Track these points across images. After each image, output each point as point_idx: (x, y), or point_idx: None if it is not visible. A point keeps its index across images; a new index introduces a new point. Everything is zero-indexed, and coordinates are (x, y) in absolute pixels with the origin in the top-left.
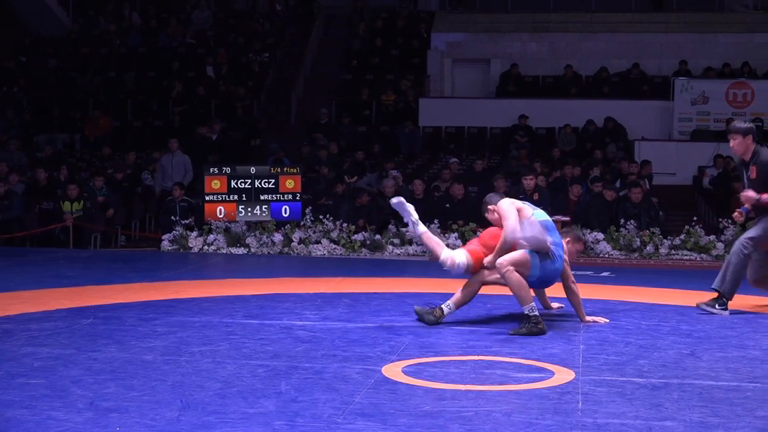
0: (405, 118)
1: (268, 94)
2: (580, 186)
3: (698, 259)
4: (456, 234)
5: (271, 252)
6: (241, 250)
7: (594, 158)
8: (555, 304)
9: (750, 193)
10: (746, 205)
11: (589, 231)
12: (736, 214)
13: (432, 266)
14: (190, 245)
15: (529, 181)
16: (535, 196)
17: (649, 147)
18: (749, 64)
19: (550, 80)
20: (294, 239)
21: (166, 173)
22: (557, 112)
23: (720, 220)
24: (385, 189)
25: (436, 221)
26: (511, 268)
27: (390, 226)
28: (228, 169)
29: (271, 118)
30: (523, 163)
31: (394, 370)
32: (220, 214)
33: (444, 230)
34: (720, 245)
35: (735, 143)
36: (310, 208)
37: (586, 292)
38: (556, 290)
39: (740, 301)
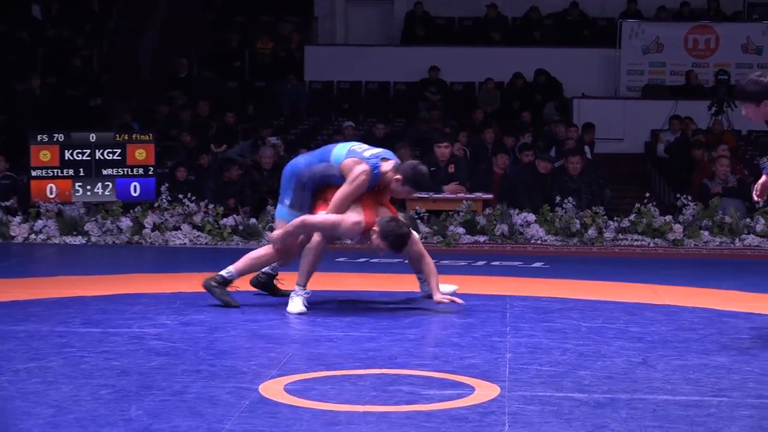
0: (286, 71)
1: (111, 40)
2: (506, 155)
3: (651, 244)
4: None
5: (117, 241)
6: (78, 240)
7: (523, 121)
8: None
9: None
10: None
11: (516, 211)
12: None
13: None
14: (12, 233)
15: (443, 149)
16: (451, 168)
17: (590, 106)
18: (716, 1)
19: (468, 23)
20: (146, 225)
21: None
22: (477, 63)
23: (678, 196)
24: (261, 160)
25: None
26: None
27: (268, 207)
28: (61, 137)
29: (116, 71)
30: (435, 126)
31: (274, 389)
32: (51, 193)
33: None
34: (678, 227)
35: (749, 112)
36: (167, 185)
37: (513, 287)
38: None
39: (705, 297)
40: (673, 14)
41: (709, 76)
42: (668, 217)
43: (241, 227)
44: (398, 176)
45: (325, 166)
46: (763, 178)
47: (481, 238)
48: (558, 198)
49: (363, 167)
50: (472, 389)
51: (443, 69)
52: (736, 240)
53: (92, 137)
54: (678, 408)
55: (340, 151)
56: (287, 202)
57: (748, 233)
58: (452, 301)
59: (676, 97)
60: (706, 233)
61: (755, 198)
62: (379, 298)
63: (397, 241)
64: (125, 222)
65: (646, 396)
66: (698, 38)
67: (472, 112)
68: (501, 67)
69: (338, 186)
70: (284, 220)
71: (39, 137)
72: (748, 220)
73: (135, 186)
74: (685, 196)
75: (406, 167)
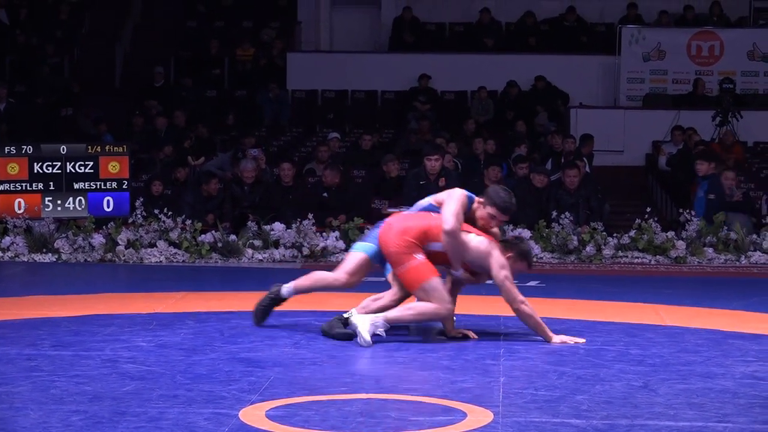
0: (268, 80)
1: (83, 47)
2: (498, 168)
3: (653, 262)
4: (337, 233)
5: (90, 259)
6: (48, 257)
7: (517, 131)
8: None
9: None
10: None
11: (511, 227)
12: None
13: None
14: None
15: (433, 162)
16: (441, 182)
17: (589, 116)
18: (719, 6)
19: (460, 28)
20: (120, 242)
21: None
22: (469, 70)
23: (681, 211)
24: (242, 174)
25: (310, 216)
26: None
27: (249, 223)
28: (30, 149)
29: (89, 79)
30: (425, 138)
31: (255, 415)
32: (19, 208)
33: (321, 228)
34: (681, 244)
35: None
36: (142, 199)
37: (507, 307)
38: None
39: (709, 318)
40: (676, 19)
41: (713, 85)
42: (670, 233)
43: (220, 244)
44: (480, 198)
45: (417, 209)
46: None
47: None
48: (554, 213)
49: (460, 190)
50: (463, 415)
51: (433, 77)
52: (742, 257)
53: (63, 149)
54: None
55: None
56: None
57: (755, 250)
58: (465, 335)
59: (678, 106)
60: (711, 250)
61: None
62: None
63: (531, 257)
64: (98, 239)
65: (647, 422)
66: (702, 45)
67: (463, 123)
68: (494, 75)
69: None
70: (360, 251)
71: (6, 149)
72: (754, 236)
73: (108, 201)
74: (688, 210)
75: (490, 191)
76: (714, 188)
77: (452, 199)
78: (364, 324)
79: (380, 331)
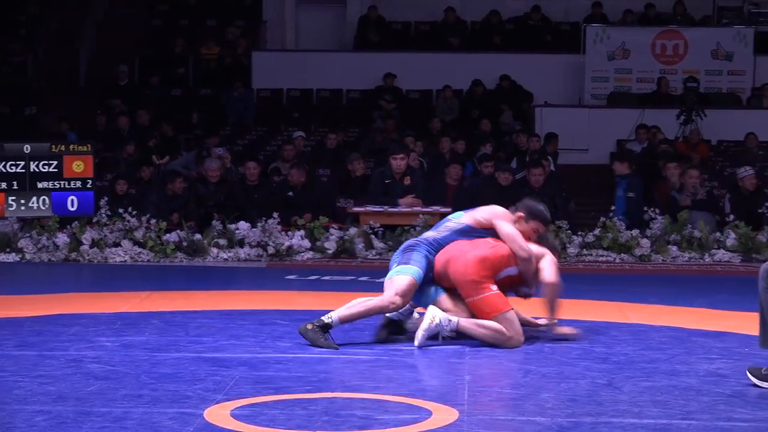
0: (233, 78)
1: (46, 46)
2: (460, 167)
3: (617, 260)
4: (302, 232)
5: (54, 259)
6: (11, 257)
7: (483, 130)
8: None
9: None
10: None
11: None
12: None
13: (270, 275)
14: None
15: (398, 161)
16: (407, 181)
17: (553, 115)
18: (683, 5)
19: (425, 27)
20: (84, 241)
21: None
22: (434, 69)
23: (645, 209)
24: (207, 172)
25: (275, 215)
26: None
27: (214, 222)
28: None
29: (52, 78)
30: (391, 137)
31: (220, 414)
32: None
33: (286, 227)
34: (645, 242)
35: None
36: (106, 198)
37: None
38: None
39: (673, 316)
40: (640, 18)
41: (678, 84)
42: (635, 232)
43: (185, 243)
44: (520, 213)
45: (451, 232)
46: None
47: None
48: None
49: (500, 208)
50: (429, 413)
51: (399, 76)
52: (706, 255)
53: (26, 148)
54: None
55: (457, 215)
56: (395, 266)
57: (718, 248)
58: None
59: (643, 105)
60: (675, 248)
61: None
62: None
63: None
64: (62, 238)
65: (612, 419)
66: (666, 44)
67: (429, 122)
68: (459, 74)
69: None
70: (409, 275)
71: None
72: (718, 234)
73: (72, 200)
74: (652, 209)
75: (522, 204)
76: (632, 187)
77: (505, 222)
78: (434, 317)
79: (446, 333)
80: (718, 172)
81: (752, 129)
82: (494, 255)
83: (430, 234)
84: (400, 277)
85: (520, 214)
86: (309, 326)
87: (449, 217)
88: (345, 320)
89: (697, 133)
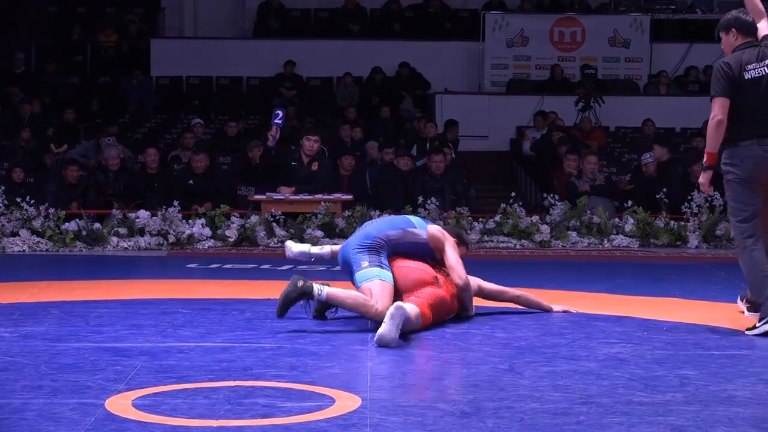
0: (132, 66)
1: None
2: (352, 157)
3: (518, 246)
4: (203, 220)
5: None
6: None
7: (383, 117)
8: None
9: None
10: None
11: (377, 212)
12: None
13: (171, 264)
14: None
15: (312, 143)
16: (314, 166)
17: (453, 102)
18: None
19: (325, 14)
20: None
21: None
22: (334, 56)
23: (545, 196)
24: (107, 161)
25: (176, 203)
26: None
27: (114, 211)
28: None
29: None
30: (290, 124)
31: (121, 404)
32: None
33: (187, 214)
34: (545, 228)
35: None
36: (3, 187)
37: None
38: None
39: (573, 301)
40: (537, 5)
41: (576, 71)
42: (535, 218)
43: (84, 232)
44: (454, 239)
45: (403, 232)
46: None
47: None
48: (421, 198)
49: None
50: (332, 400)
51: (299, 63)
52: (605, 240)
53: None
54: (546, 416)
55: (417, 220)
56: (365, 264)
57: (617, 233)
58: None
59: (541, 92)
60: (574, 234)
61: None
62: (233, 306)
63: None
64: None
65: (513, 404)
66: (564, 31)
67: (329, 109)
68: (360, 61)
69: (405, 252)
70: (369, 280)
71: None
72: (616, 219)
73: None
74: (552, 195)
75: (452, 230)
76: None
77: (453, 249)
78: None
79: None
80: (616, 158)
81: (649, 115)
82: (434, 294)
83: (393, 234)
84: (384, 284)
85: (455, 240)
86: (300, 282)
87: (412, 220)
88: (332, 300)
89: (589, 120)
